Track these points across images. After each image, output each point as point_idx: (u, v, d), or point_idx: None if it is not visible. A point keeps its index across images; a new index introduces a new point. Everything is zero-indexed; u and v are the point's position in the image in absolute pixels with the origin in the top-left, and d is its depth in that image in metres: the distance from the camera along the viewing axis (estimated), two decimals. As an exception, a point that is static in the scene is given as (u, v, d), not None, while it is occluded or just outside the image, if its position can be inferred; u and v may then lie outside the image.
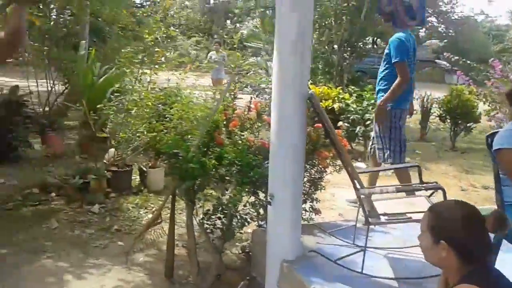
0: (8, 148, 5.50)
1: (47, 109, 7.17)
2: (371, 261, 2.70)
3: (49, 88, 7.30)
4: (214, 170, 2.91)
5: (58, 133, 5.99)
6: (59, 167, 5.33)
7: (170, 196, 3.26)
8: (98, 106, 5.00)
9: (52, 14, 9.57)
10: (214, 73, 11.53)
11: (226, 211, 2.93)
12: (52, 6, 11.01)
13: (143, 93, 4.98)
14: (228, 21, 28.22)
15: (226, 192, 2.96)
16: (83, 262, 3.37)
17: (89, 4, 7.39)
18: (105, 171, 4.62)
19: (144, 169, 4.98)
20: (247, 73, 10.68)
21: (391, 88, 3.84)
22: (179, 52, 16.96)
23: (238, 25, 26.51)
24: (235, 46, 18.09)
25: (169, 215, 3.68)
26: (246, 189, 2.83)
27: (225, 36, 21.09)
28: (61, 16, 9.17)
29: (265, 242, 2.87)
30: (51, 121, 6.16)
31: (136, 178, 5.15)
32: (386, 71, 3.94)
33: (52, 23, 8.42)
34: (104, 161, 5.06)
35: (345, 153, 2.83)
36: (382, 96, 3.94)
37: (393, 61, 3.78)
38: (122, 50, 5.83)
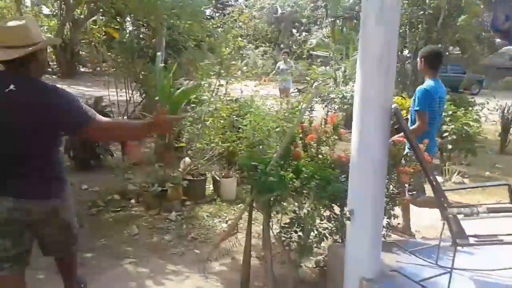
0: (92, 156, 5.85)
1: (125, 118, 7.56)
2: (456, 283, 2.57)
3: (128, 98, 7.69)
4: (291, 183, 2.92)
5: (137, 142, 6.27)
6: (138, 174, 5.57)
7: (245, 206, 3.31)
8: (177, 117, 5.17)
9: (128, 28, 10.09)
10: (281, 82, 11.59)
11: (303, 225, 2.93)
12: (128, 19, 11.64)
13: (218, 104, 5.11)
14: (294, 30, 28.29)
15: (304, 205, 2.95)
16: (163, 269, 3.49)
17: (166, 18, 7.70)
18: (181, 180, 4.76)
19: (218, 178, 5.09)
20: (313, 83, 10.67)
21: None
22: (246, 62, 17.26)
23: (304, 34, 26.50)
24: (303, 55, 18.05)
25: (242, 225, 3.74)
26: (324, 204, 2.81)
27: (294, 46, 21.18)
28: (138, 30, 9.63)
29: (342, 258, 2.82)
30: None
31: (209, 187, 5.28)
32: (414, 115, 4.06)
33: (127, 35, 8.87)
34: (179, 169, 5.24)
35: (429, 169, 2.73)
36: None
37: (414, 109, 3.96)
38: (200, 63, 6.01)
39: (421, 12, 7.81)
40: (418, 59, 4.16)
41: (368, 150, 2.56)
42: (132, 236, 4.03)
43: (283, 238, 2.96)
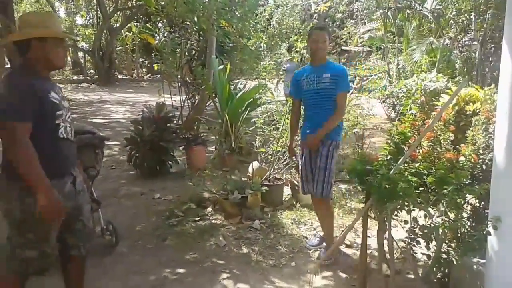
0: (158, 163, 5.67)
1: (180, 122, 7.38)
2: None
3: (182, 104, 7.51)
4: (417, 189, 2.62)
5: (202, 146, 6.06)
6: (207, 180, 5.36)
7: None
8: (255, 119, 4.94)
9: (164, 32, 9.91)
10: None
11: (433, 236, 2.62)
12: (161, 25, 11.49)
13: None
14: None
15: (433, 213, 2.65)
16: (262, 284, 3.23)
17: (216, 19, 7.47)
18: (260, 186, 4.51)
19: (296, 183, 4.82)
20: (366, 78, 10.28)
21: None
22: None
23: (336, 29, 25.90)
24: (334, 52, 17.59)
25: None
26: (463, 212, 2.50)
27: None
28: (179, 33, 9.40)
29: (475, 274, 2.51)
30: (195, 135, 6.27)
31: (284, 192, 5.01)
32: (330, 98, 3.58)
33: (163, 39, 8.66)
34: (248, 174, 5.01)
35: None
36: None
37: (343, 90, 3.49)
38: (262, 63, 5.78)
39: (490, -3, 7.30)
40: (320, 38, 3.43)
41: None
42: (221, 248, 3.79)
43: (412, 250, 2.66)
